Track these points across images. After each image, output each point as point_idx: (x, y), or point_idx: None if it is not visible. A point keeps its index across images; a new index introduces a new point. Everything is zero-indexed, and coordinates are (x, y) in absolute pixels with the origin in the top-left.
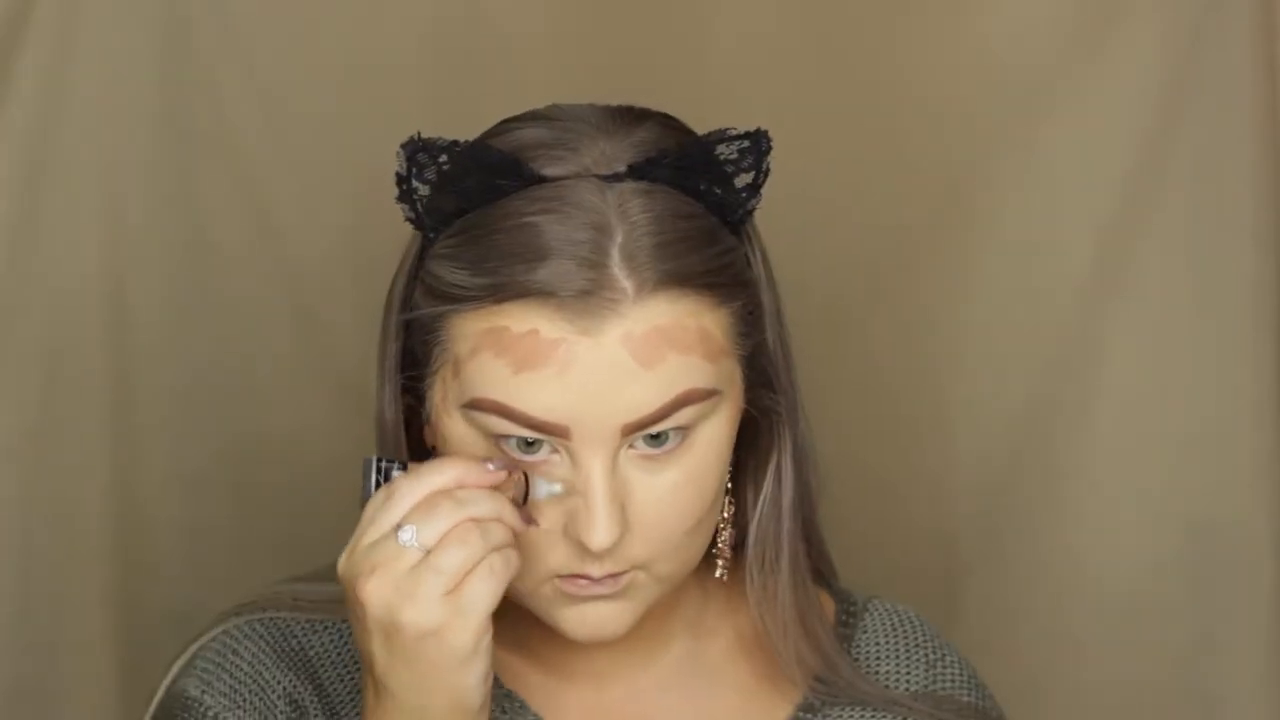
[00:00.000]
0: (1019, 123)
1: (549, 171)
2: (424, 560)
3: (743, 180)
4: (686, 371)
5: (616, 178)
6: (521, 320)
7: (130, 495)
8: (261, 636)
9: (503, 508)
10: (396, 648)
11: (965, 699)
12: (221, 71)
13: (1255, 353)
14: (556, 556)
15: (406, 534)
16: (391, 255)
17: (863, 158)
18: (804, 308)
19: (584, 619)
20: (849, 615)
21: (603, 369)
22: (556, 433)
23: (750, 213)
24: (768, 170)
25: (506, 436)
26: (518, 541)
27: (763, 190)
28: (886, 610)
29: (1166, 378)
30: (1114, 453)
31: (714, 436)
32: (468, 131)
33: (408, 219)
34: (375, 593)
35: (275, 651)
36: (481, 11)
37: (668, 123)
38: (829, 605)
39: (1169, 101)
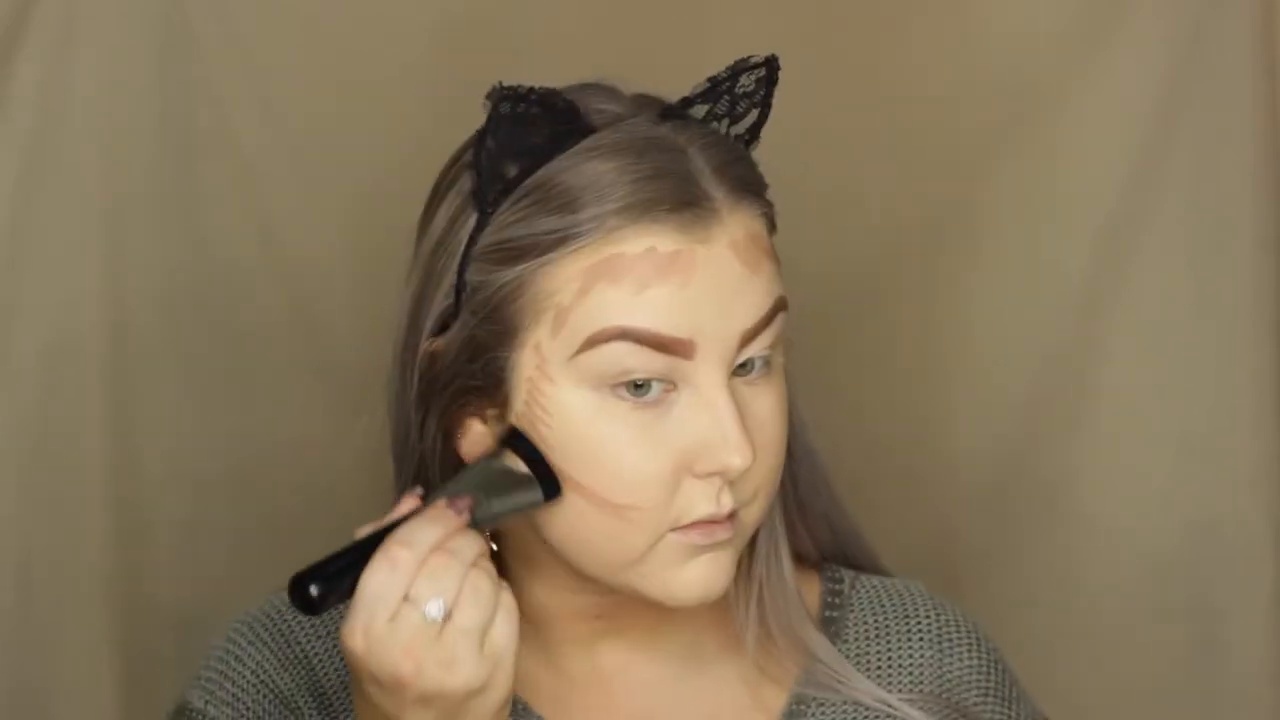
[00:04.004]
0: (1020, 123)
1: (595, 122)
2: (450, 624)
3: (747, 122)
4: (776, 280)
5: (658, 120)
6: (634, 242)
7: (130, 495)
8: (265, 642)
9: (480, 541)
10: (441, 711)
11: (974, 698)
12: (221, 71)
13: (1255, 353)
14: (679, 504)
15: (434, 608)
16: (392, 256)
17: (862, 158)
18: (803, 306)
19: (700, 575)
20: (835, 597)
21: (721, 275)
22: (681, 350)
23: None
24: (770, 108)
25: (622, 380)
26: (618, 511)
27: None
28: (874, 586)
29: (1166, 378)
30: (1114, 453)
31: (782, 365)
32: (469, 130)
33: (470, 192)
34: (418, 671)
35: (278, 657)
36: (482, 12)
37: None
38: (814, 587)
39: (1169, 102)
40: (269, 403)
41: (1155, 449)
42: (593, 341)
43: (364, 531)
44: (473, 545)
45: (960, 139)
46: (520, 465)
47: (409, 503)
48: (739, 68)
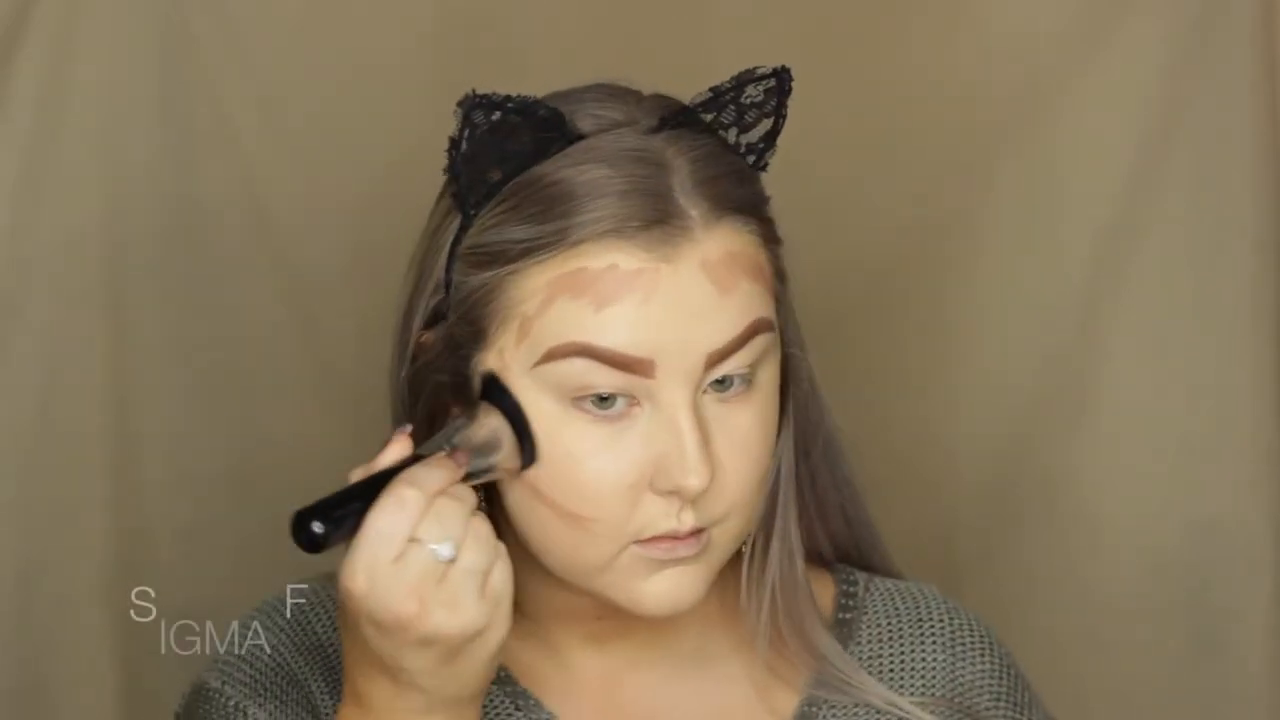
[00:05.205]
0: (1020, 124)
1: (587, 128)
2: (455, 566)
3: (760, 131)
4: (756, 300)
5: (654, 129)
6: (598, 257)
7: (130, 496)
8: (282, 628)
9: (474, 493)
10: (440, 653)
11: (986, 703)
12: (221, 71)
13: (1255, 353)
14: (639, 519)
15: (445, 549)
16: (392, 255)
17: (863, 158)
18: (803, 307)
19: (666, 588)
20: (849, 599)
21: (685, 295)
22: (640, 369)
23: (766, 166)
24: (785, 116)
25: (584, 394)
26: (579, 522)
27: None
28: (888, 589)
29: (1166, 378)
30: (1114, 452)
31: (771, 381)
32: None
33: (450, 194)
34: (421, 612)
35: (294, 642)
36: (482, 12)
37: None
38: (828, 589)
39: (1169, 103)
40: (269, 403)
41: (1155, 449)
42: (552, 355)
43: (356, 475)
44: (472, 495)
45: (960, 139)
46: (504, 424)
47: (400, 444)
48: (744, 78)
